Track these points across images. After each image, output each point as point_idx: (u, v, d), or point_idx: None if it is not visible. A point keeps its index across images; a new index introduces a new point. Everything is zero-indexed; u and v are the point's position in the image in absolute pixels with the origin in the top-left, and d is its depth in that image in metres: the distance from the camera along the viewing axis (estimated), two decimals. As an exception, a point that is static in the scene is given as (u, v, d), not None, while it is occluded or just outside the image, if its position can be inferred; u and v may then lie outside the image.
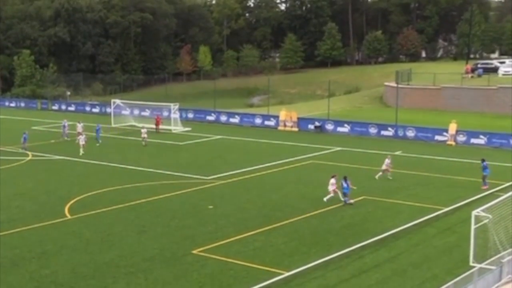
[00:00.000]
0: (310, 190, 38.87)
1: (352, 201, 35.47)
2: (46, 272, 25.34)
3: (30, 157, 50.34)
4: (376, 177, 41.37)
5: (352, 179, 39.29)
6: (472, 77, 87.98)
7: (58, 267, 25.85)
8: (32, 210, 34.41)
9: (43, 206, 35.21)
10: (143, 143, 56.25)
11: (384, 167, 41.53)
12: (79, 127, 57.89)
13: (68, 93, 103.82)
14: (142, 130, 57.53)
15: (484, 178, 39.48)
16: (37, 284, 24.22)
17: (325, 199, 35.67)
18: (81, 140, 52.68)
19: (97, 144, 56.30)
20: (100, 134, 58.21)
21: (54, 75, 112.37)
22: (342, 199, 35.46)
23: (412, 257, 27.15)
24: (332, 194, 35.78)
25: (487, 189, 38.53)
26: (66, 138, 59.30)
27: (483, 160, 40.19)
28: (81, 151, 51.55)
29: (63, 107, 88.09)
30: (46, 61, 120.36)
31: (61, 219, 32.61)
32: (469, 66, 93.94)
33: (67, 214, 33.55)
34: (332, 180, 36.00)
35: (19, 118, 77.41)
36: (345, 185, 35.28)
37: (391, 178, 41.23)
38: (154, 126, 64.58)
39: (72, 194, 37.75)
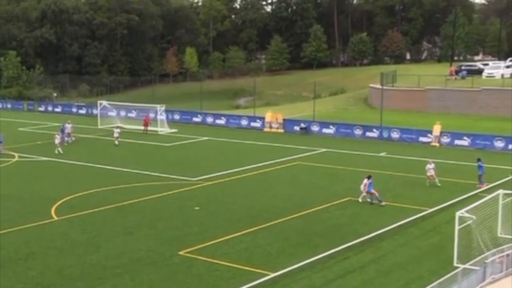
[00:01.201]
0: (296, 191, 39.07)
1: (383, 203, 35.58)
2: (32, 273, 25.37)
3: (16, 159, 50.26)
4: (427, 183, 40.40)
5: (338, 180, 39.64)
6: (455, 79, 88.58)
7: (44, 268, 25.90)
8: (18, 211, 34.38)
9: (29, 208, 35.23)
10: (116, 142, 56.57)
11: (431, 172, 40.22)
12: (68, 127, 58.34)
13: (55, 94, 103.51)
14: (115, 130, 57.98)
15: (479, 177, 40.04)
16: (23, 285, 24.24)
17: (359, 199, 36.21)
18: (57, 139, 52.64)
19: (65, 144, 56.21)
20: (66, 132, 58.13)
21: (40, 76, 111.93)
22: (369, 200, 35.94)
23: (397, 258, 27.40)
24: (364, 194, 36.21)
25: (479, 188, 39.22)
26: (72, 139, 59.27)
27: (478, 160, 40.71)
28: (59, 150, 51.76)
29: (50, 108, 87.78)
30: (33, 62, 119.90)
31: (48, 221, 32.63)
32: (453, 68, 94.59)
33: (54, 216, 33.56)
34: (365, 181, 36.21)
35: (5, 119, 76.91)
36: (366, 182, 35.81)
37: (439, 185, 39.86)
38: (142, 127, 64.90)
39: (59, 195, 37.73)
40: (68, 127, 58.77)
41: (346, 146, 56.22)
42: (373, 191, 35.78)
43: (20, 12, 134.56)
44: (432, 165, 40.51)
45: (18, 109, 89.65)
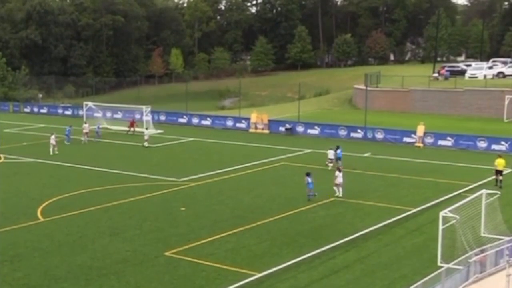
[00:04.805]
0: (282, 192, 39.24)
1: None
2: (18, 275, 25.39)
3: (2, 160, 50.13)
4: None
5: (322, 181, 39.78)
6: (440, 80, 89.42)
7: (30, 269, 25.93)
8: (4, 212, 34.28)
9: (15, 209, 35.18)
10: (145, 144, 56.86)
11: (339, 181, 38.31)
12: (86, 127, 59.98)
13: (40, 95, 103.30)
14: (145, 132, 58.59)
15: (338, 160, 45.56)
16: (9, 287, 24.26)
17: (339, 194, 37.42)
18: (52, 140, 52.86)
19: (66, 142, 57.42)
20: (71, 136, 58.80)
21: (26, 77, 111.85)
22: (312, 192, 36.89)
23: (381, 258, 27.60)
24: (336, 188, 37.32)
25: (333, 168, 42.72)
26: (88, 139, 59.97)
27: (338, 147, 47.01)
28: (54, 151, 52.19)
29: (35, 109, 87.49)
30: (18, 64, 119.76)
31: (34, 222, 32.64)
32: (443, 69, 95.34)
33: (40, 217, 33.57)
34: (337, 173, 37.41)
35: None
36: (309, 180, 36.66)
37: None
38: (128, 128, 65.10)
39: (45, 196, 37.77)
40: (86, 126, 60.14)
41: (331, 146, 56.32)
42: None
43: (5, 13, 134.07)
44: (340, 173, 38.34)
45: (4, 111, 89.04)
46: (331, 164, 45.35)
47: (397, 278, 25.23)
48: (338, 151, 46.51)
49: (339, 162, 45.09)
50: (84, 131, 59.54)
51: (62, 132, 59.66)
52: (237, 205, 36.38)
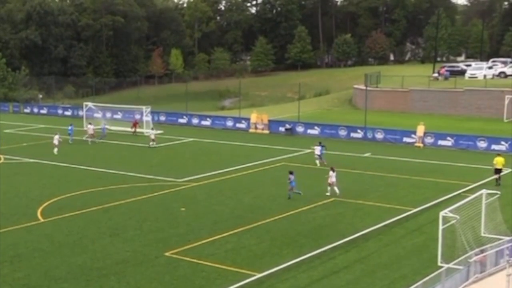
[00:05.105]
0: (282, 192, 39.11)
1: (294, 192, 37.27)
2: (19, 275, 25.41)
3: (2, 160, 50.13)
4: (328, 192, 38.21)
5: (322, 181, 39.78)
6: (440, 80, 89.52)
7: (30, 270, 25.94)
8: (4, 213, 34.29)
9: (15, 209, 35.18)
10: (151, 144, 57.03)
11: (333, 179, 37.93)
12: (91, 128, 59.91)
13: (40, 96, 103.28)
14: (151, 132, 58.73)
15: (321, 156, 47.25)
16: (10, 287, 24.26)
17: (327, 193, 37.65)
18: (55, 140, 52.95)
19: (70, 142, 57.87)
20: (73, 136, 59.08)
21: (26, 78, 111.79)
22: (296, 191, 37.28)
23: (381, 258, 27.60)
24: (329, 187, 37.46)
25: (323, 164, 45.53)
26: (97, 139, 60.12)
27: (320, 143, 48.35)
28: (55, 151, 52.34)
29: (35, 110, 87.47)
30: (18, 64, 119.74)
31: (34, 222, 32.63)
32: (442, 69, 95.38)
33: (40, 217, 33.56)
34: (330, 173, 37.56)
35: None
36: (292, 178, 37.16)
37: (328, 194, 37.89)
38: (128, 129, 65.26)
39: (45, 197, 37.76)
40: (90, 128, 60.08)
41: (331, 146, 56.10)
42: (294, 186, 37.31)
43: (5, 13, 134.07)
44: (334, 173, 38.21)
45: (4, 111, 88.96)
46: (318, 161, 47.12)
47: (397, 278, 25.23)
48: (320, 147, 47.77)
49: (323, 159, 47.18)
50: (89, 132, 59.47)
51: (64, 132, 59.67)
52: (237, 205, 36.39)
